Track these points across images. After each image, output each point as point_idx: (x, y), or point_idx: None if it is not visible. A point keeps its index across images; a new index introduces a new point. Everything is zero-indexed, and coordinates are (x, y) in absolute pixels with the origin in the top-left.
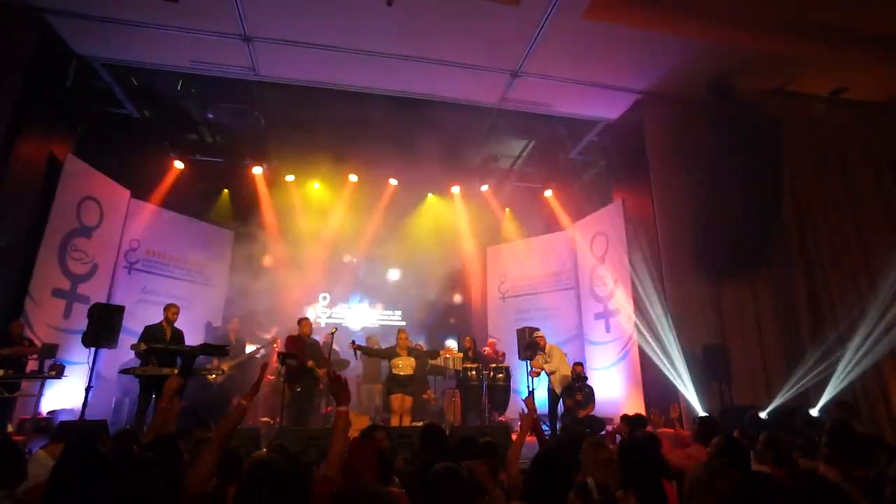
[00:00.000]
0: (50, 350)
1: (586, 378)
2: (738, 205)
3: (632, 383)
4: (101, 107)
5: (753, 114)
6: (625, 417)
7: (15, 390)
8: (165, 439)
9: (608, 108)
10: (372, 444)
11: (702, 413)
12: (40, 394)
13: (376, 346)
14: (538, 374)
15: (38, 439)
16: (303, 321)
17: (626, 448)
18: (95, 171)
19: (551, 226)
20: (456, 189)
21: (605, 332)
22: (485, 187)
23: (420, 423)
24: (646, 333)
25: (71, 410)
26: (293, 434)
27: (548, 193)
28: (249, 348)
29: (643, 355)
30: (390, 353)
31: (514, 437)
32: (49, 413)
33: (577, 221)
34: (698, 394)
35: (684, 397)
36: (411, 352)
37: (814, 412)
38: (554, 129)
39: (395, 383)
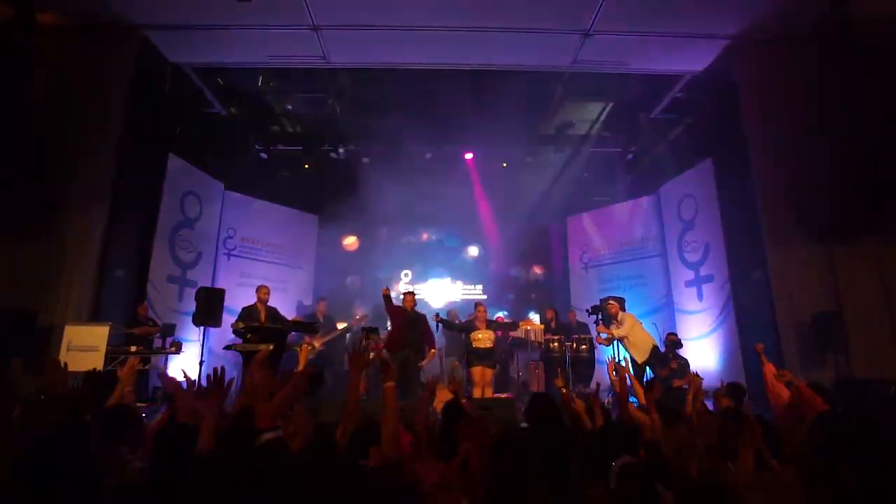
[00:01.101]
0: (169, 329)
1: (681, 346)
2: (856, 156)
3: (728, 355)
4: (193, 108)
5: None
6: (727, 387)
7: (147, 364)
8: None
9: (692, 60)
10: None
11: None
12: (165, 367)
13: (457, 321)
14: (608, 343)
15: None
16: (407, 295)
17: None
18: (193, 168)
19: (634, 191)
20: (531, 159)
21: (697, 300)
22: (561, 155)
23: (503, 395)
24: (744, 301)
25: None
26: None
27: (629, 157)
28: (341, 326)
29: (742, 325)
30: (469, 327)
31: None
32: (166, 373)
33: (662, 185)
34: (806, 366)
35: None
36: (490, 325)
37: None
38: (633, 88)
39: (476, 356)
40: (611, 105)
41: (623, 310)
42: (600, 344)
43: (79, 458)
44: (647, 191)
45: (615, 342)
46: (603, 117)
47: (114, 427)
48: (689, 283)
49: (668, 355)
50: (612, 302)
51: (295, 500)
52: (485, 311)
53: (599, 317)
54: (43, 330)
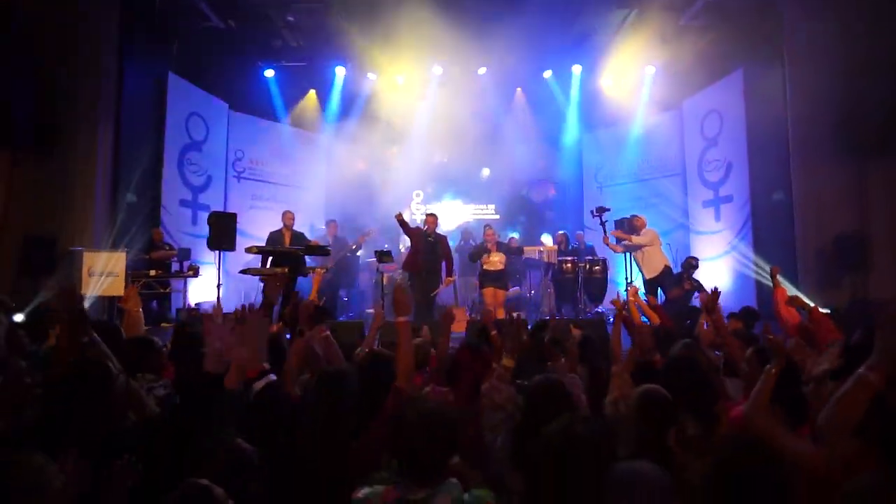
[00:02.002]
0: (185, 253)
1: (697, 268)
2: None
3: (742, 276)
4: (190, 23)
5: None
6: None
7: (166, 287)
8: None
9: None
10: (479, 353)
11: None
12: (185, 290)
13: (471, 241)
14: (617, 249)
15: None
16: (428, 217)
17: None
18: (195, 87)
19: (654, 107)
20: (548, 73)
21: (713, 220)
22: (578, 67)
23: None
24: (763, 222)
25: (211, 303)
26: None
27: (651, 69)
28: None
29: (758, 246)
30: (480, 251)
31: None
32: (196, 304)
33: (685, 100)
34: (822, 288)
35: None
36: (500, 246)
37: None
38: None
39: (487, 278)
40: (635, 11)
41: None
42: (606, 245)
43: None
44: (669, 107)
45: (627, 255)
46: (626, 24)
47: (134, 358)
48: (706, 203)
49: (682, 276)
50: (640, 216)
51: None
52: (493, 233)
53: (603, 218)
54: (63, 255)
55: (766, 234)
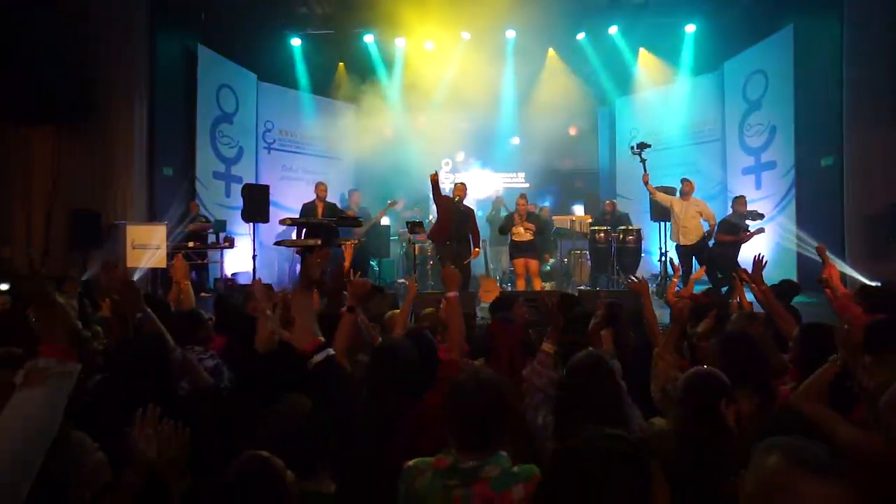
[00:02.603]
0: (221, 225)
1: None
2: None
3: (782, 247)
4: None
5: None
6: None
7: (205, 258)
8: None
9: None
10: (511, 327)
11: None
12: (222, 261)
13: (503, 207)
14: (657, 197)
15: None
16: (458, 185)
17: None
18: (224, 59)
19: (694, 68)
20: (581, 36)
21: (754, 188)
22: (614, 28)
23: (547, 285)
24: (808, 190)
25: (246, 273)
26: (425, 297)
27: (690, 28)
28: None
29: (802, 216)
30: (509, 223)
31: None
32: (232, 275)
33: (727, 60)
34: (872, 261)
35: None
36: (530, 217)
37: None
38: None
39: (517, 248)
40: None
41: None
42: (645, 185)
43: (159, 364)
44: (709, 68)
45: (662, 224)
46: None
47: (185, 330)
48: (746, 171)
49: (738, 223)
50: (689, 180)
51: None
52: (525, 203)
53: (643, 155)
54: (108, 228)
55: (811, 202)
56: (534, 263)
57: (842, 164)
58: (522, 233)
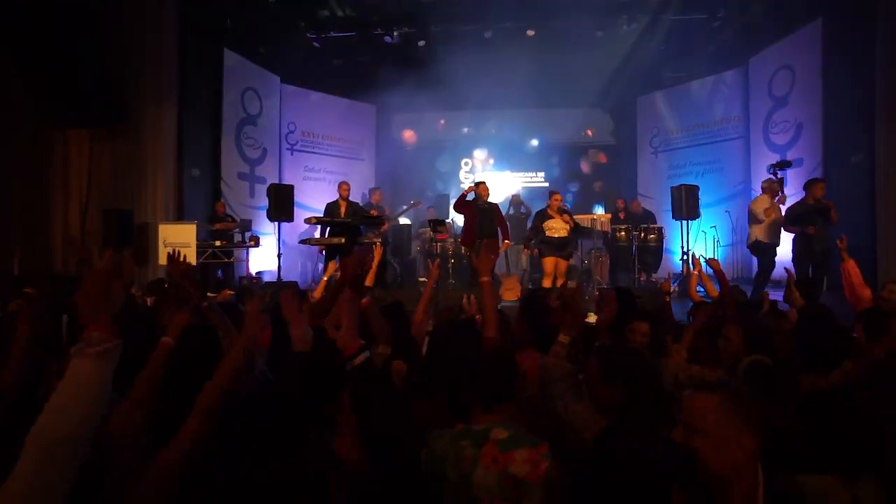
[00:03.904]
0: (246, 224)
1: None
2: None
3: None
4: None
5: None
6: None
7: (231, 256)
8: None
9: None
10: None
11: None
12: (247, 259)
13: (521, 205)
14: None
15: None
16: (480, 185)
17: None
18: (248, 62)
19: (717, 65)
20: (600, 33)
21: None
22: (635, 26)
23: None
24: (837, 188)
25: (271, 272)
26: (446, 293)
27: (715, 24)
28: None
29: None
30: (543, 216)
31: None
32: (257, 273)
33: (753, 56)
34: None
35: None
36: (563, 213)
37: None
38: None
39: (549, 246)
40: None
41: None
42: (782, 205)
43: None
44: (734, 64)
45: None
46: None
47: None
48: (772, 168)
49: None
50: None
51: None
52: (559, 199)
53: (779, 175)
54: (139, 227)
55: (841, 199)
56: (563, 263)
57: (872, 161)
58: (559, 228)
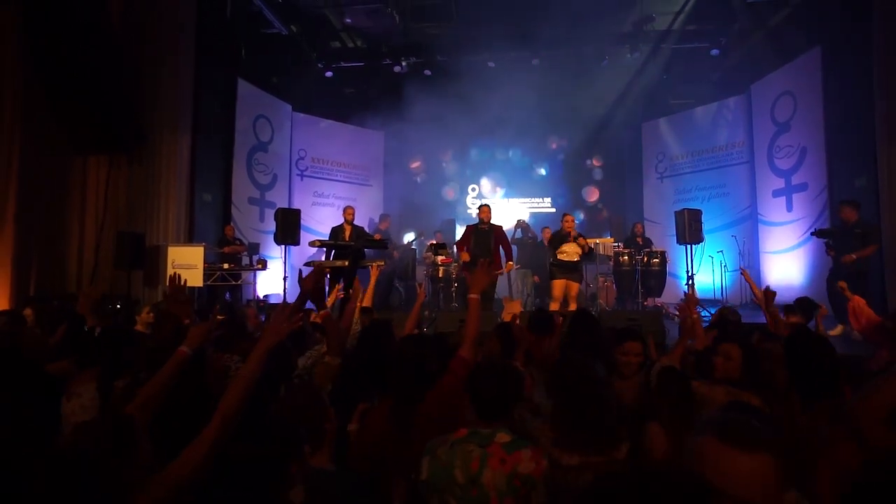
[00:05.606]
0: (254, 247)
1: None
2: None
3: (814, 270)
4: (255, 29)
5: None
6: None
7: (238, 279)
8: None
9: None
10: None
11: None
12: (254, 282)
13: (528, 231)
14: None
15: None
16: (482, 207)
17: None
18: (261, 91)
19: (720, 92)
20: (605, 62)
21: (785, 211)
22: (638, 55)
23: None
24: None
25: (277, 295)
26: (447, 315)
27: (716, 52)
28: (409, 240)
29: None
30: (561, 238)
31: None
32: (264, 296)
33: (754, 82)
34: None
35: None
36: (576, 238)
37: None
38: None
39: (561, 269)
40: None
41: None
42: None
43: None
44: (736, 91)
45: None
46: (688, 6)
47: (226, 339)
48: (777, 193)
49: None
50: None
51: None
52: (572, 221)
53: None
54: (151, 249)
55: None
56: (574, 286)
57: (877, 184)
58: (571, 252)
